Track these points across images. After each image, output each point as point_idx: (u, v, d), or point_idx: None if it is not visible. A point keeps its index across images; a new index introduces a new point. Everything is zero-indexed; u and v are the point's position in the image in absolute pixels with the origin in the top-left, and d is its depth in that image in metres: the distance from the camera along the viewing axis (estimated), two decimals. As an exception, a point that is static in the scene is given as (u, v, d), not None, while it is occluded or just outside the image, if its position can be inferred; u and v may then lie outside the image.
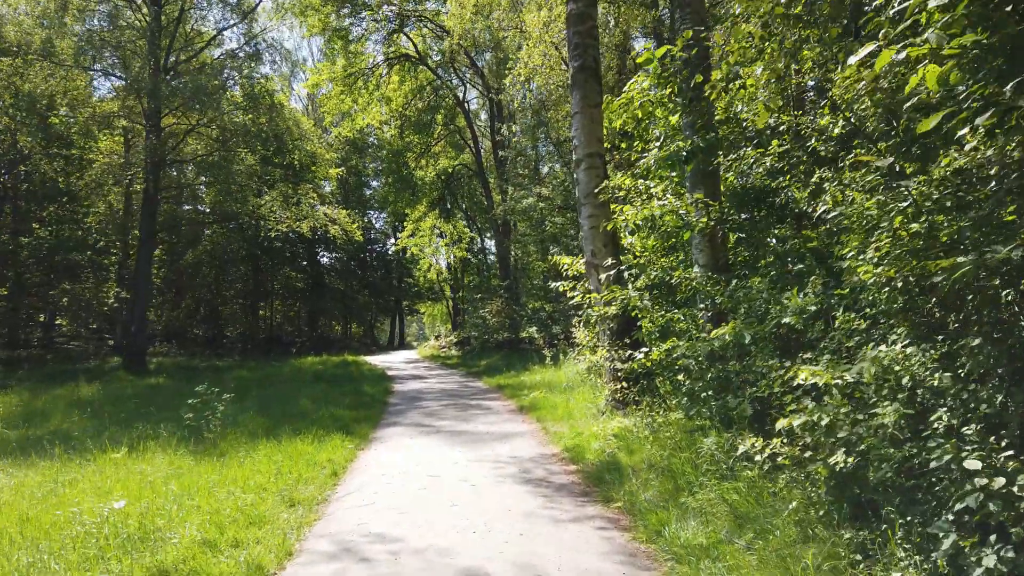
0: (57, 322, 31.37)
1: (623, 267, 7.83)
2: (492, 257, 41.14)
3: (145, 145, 20.63)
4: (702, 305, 6.54)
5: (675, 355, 5.87)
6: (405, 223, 32.04)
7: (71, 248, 27.01)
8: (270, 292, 35.29)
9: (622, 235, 8.79)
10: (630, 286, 7.53)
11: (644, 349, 6.77)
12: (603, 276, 7.93)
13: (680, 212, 6.52)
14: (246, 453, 6.92)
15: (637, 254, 8.73)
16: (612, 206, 8.60)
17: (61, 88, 20.65)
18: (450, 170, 31.38)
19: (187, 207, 27.78)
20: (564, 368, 13.96)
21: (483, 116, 33.84)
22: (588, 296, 8.40)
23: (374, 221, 43.72)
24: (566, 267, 10.50)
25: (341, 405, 11.01)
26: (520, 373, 15.32)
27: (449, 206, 35.55)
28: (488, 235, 38.38)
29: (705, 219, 6.31)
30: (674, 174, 8.05)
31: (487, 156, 31.56)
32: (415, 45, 28.43)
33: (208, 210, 25.49)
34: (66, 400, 13.29)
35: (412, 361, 24.93)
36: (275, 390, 14.17)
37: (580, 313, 14.60)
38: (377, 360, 25.45)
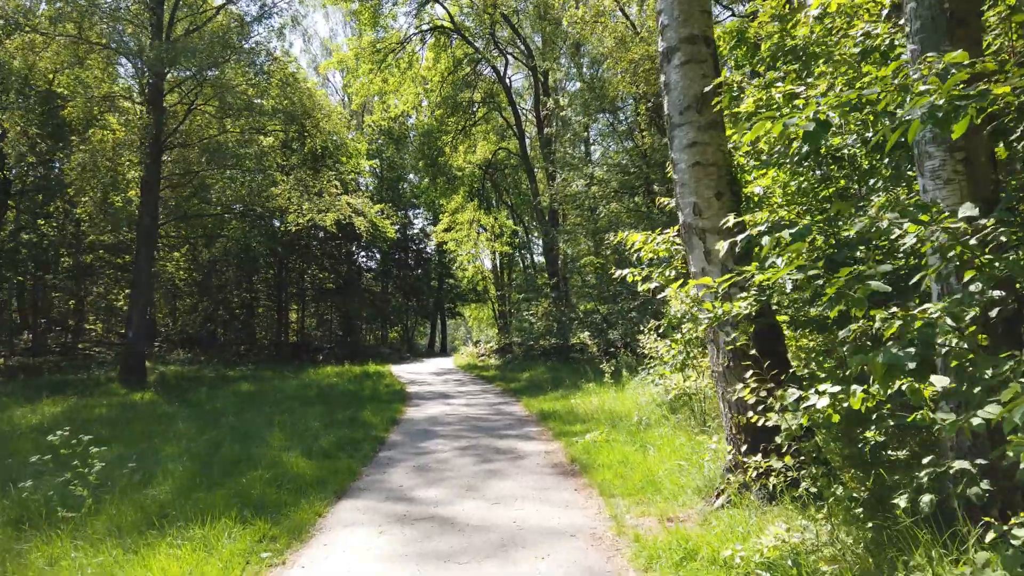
0: (88, 327, 29.73)
1: (762, 227, 4.22)
2: (539, 257, 37.62)
3: (145, 123, 18.08)
4: (978, 292, 2.87)
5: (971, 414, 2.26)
6: (440, 216, 28.84)
7: (73, 246, 25.04)
8: (300, 294, 32.69)
9: (745, 177, 5.19)
10: (779, 261, 3.93)
11: (831, 389, 3.20)
12: (719, 246, 4.35)
13: (923, 88, 2.86)
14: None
15: (772, 208, 5.08)
16: (729, 132, 5.02)
17: (51, 63, 18.36)
18: (490, 156, 27.97)
19: (216, 207, 25.17)
20: (629, 389, 10.35)
21: (528, 101, 30.48)
22: (689, 283, 4.85)
23: (413, 218, 40.87)
24: (637, 247, 7.07)
25: (317, 446, 7.74)
26: (570, 393, 11.76)
27: (491, 199, 32.23)
28: (535, 234, 34.86)
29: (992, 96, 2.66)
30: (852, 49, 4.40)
31: (532, 143, 28.15)
32: (451, 16, 25.30)
33: (219, 202, 22.84)
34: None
35: (444, 372, 21.62)
36: (258, 413, 11.13)
37: (660, 315, 10.77)
38: (405, 370, 22.27)
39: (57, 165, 22.14)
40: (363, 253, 35.16)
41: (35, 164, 22.45)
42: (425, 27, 25.59)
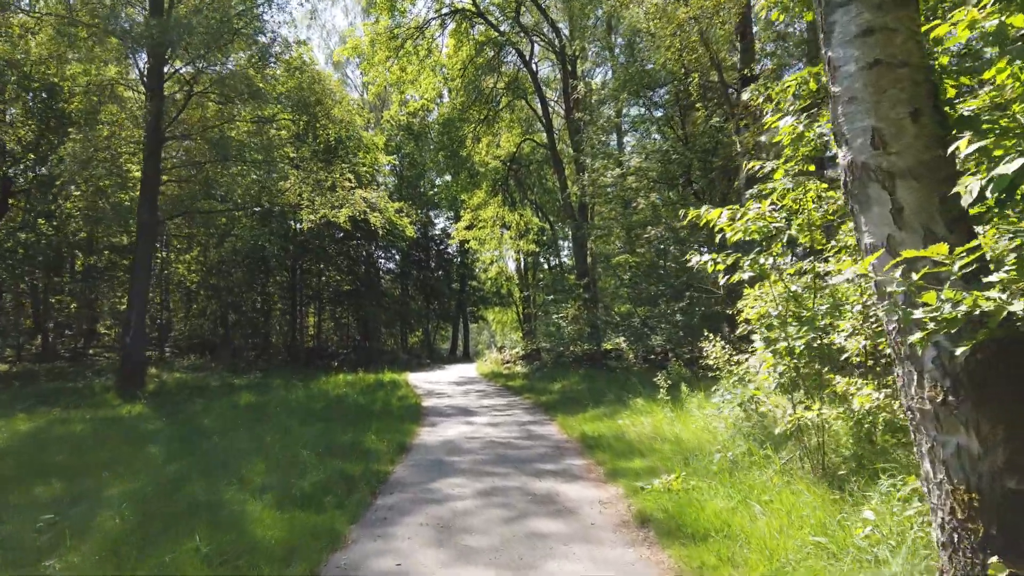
0: (104, 331, 28.62)
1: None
2: (567, 259, 35.65)
3: (143, 110, 16.66)
4: None
5: None
6: (462, 212, 27.03)
7: (82, 247, 23.88)
8: (317, 296, 31.16)
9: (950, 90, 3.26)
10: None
11: None
12: (966, 188, 2.46)
13: None
14: None
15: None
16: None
17: (45, 49, 17.04)
18: (514, 149, 26.11)
19: (226, 203, 23.52)
20: (694, 409, 8.40)
21: (555, 93, 28.65)
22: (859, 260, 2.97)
23: (434, 218, 39.22)
24: (720, 228, 5.32)
25: (299, 487, 5.96)
26: (615, 411, 9.84)
27: (515, 197, 30.37)
28: (561, 235, 32.89)
29: None
30: None
31: (560, 135, 26.26)
32: (473, -1, 23.61)
33: (228, 197, 21.28)
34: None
35: (466, 381, 19.77)
36: (249, 433, 9.43)
37: (712, 316, 8.84)
38: (423, 379, 20.48)
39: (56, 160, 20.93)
40: (381, 253, 33.61)
41: (37, 160, 21.25)
42: (445, 11, 23.93)
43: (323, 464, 7.01)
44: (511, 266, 40.01)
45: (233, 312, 26.18)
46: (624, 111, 21.54)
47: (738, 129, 15.25)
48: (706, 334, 8.77)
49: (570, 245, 26.78)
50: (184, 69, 17.49)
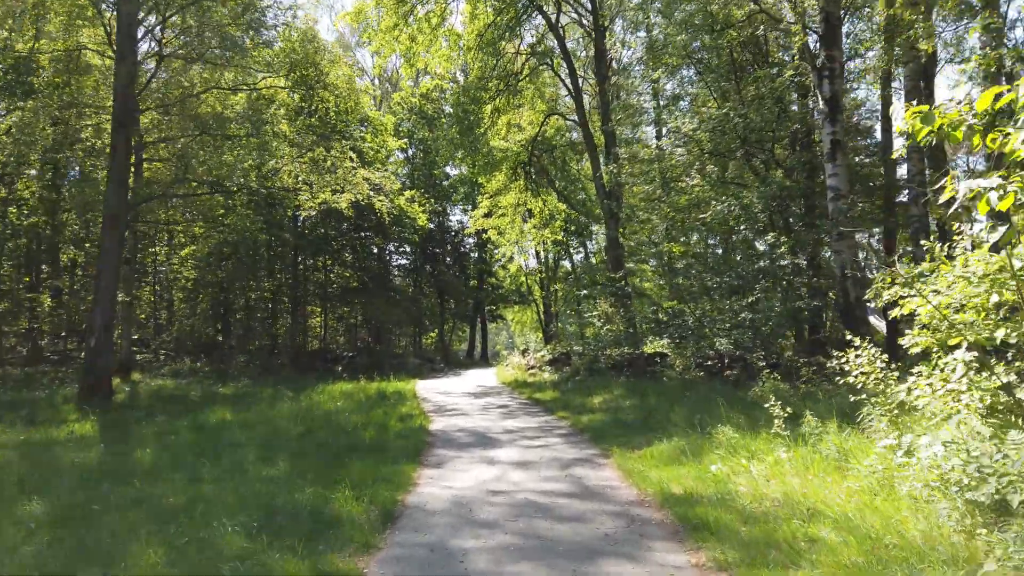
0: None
1: None
2: (593, 255, 32.70)
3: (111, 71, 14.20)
4: None
5: None
6: (479, 199, 24.20)
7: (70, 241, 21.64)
8: (322, 294, 28.53)
9: None
10: None
11: None
12: None
13: None
14: None
15: None
16: None
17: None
18: (537, 129, 23.14)
19: (207, 185, 20.67)
20: (827, 447, 5.48)
21: (584, 66, 25.68)
22: None
23: (449, 211, 36.44)
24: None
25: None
26: (697, 446, 6.90)
27: (536, 185, 27.46)
28: (588, 232, 29.88)
29: None
30: None
31: (590, 115, 23.34)
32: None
33: (215, 177, 18.64)
34: None
35: (484, 392, 16.86)
36: (191, 473, 6.79)
37: (899, 312, 4.87)
38: (434, 389, 17.65)
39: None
40: (392, 247, 30.91)
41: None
42: (459, -34, 21.17)
43: (251, 555, 4.24)
44: (532, 261, 37.21)
45: (226, 311, 23.65)
46: (667, 76, 18.52)
47: (820, 80, 12.31)
48: (849, 338, 5.85)
49: (603, 233, 23.83)
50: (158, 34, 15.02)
